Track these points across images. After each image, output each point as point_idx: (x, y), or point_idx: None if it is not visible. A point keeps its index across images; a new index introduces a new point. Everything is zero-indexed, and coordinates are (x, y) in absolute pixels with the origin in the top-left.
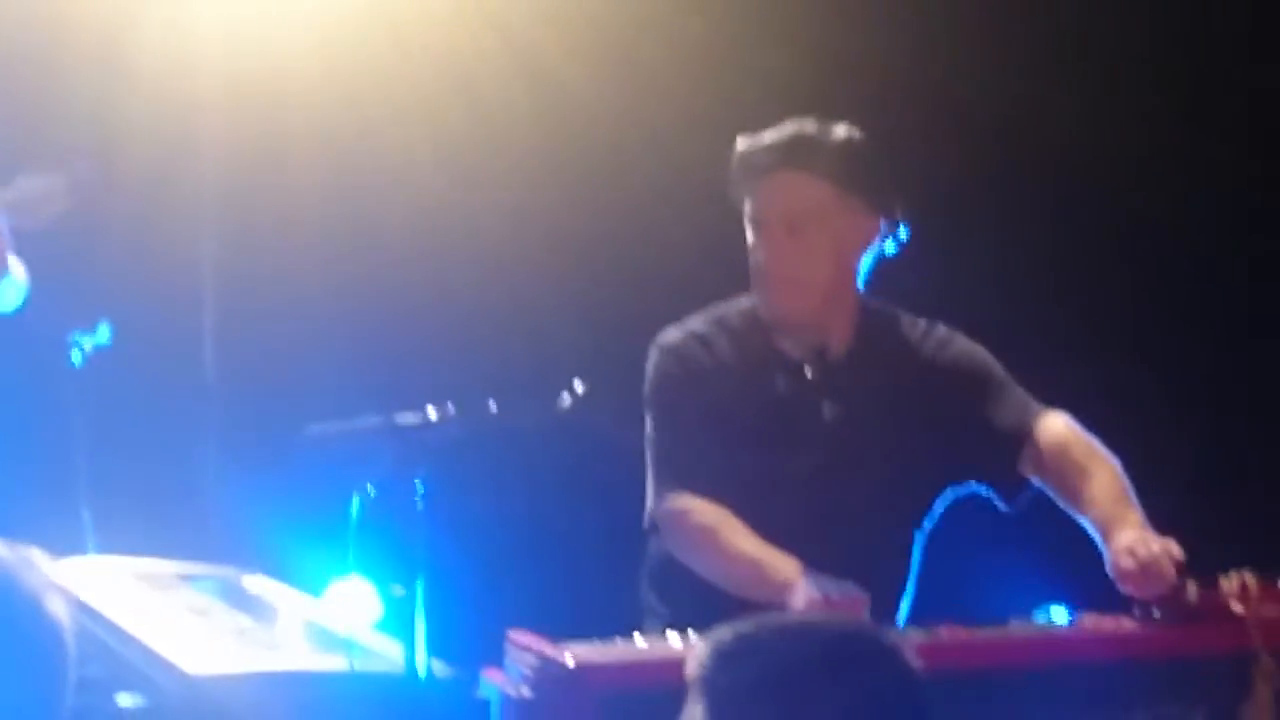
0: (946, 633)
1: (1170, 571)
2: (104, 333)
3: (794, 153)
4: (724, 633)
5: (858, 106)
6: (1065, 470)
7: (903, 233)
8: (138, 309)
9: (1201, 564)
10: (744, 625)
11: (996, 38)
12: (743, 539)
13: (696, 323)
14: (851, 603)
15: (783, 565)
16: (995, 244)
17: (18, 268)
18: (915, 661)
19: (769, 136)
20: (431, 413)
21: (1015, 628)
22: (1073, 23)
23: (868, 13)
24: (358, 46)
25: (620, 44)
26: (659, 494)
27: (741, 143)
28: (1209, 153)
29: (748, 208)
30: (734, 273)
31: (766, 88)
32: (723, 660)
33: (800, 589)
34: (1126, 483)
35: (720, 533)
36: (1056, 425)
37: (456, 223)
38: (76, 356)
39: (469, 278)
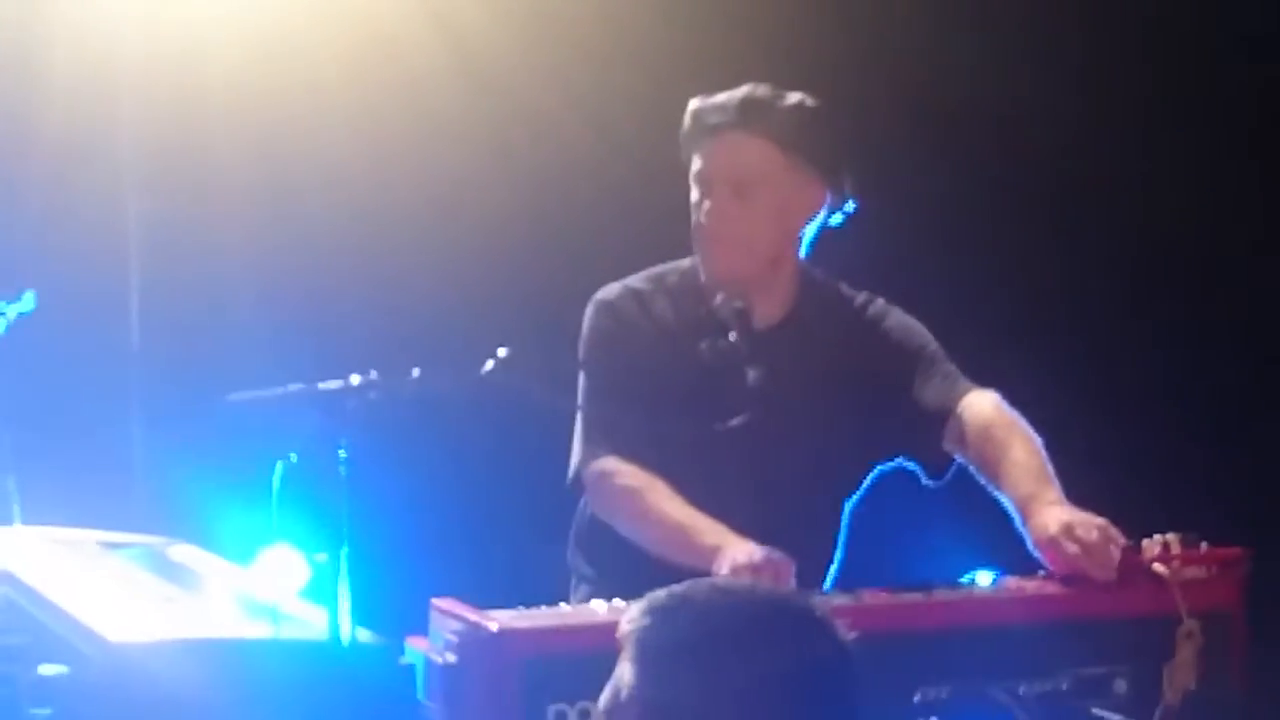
0: (870, 596)
1: (1115, 558)
2: (29, 301)
3: (745, 113)
4: (657, 593)
5: (796, 82)
6: (985, 447)
7: (849, 205)
8: (62, 277)
9: (1125, 528)
10: (678, 586)
11: (941, 19)
12: (669, 503)
13: (636, 280)
14: (777, 569)
15: (709, 530)
16: (946, 224)
17: None
18: (846, 634)
19: (722, 97)
20: (354, 379)
21: (939, 591)
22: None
23: None
24: (278, 13)
25: (545, 10)
26: (586, 453)
27: (694, 102)
28: (1157, 138)
29: (695, 166)
30: (662, 240)
31: (692, 57)
32: (655, 617)
33: (727, 554)
34: (1046, 460)
35: (646, 496)
36: (981, 402)
37: (380, 190)
38: (0, 325)
39: (393, 244)
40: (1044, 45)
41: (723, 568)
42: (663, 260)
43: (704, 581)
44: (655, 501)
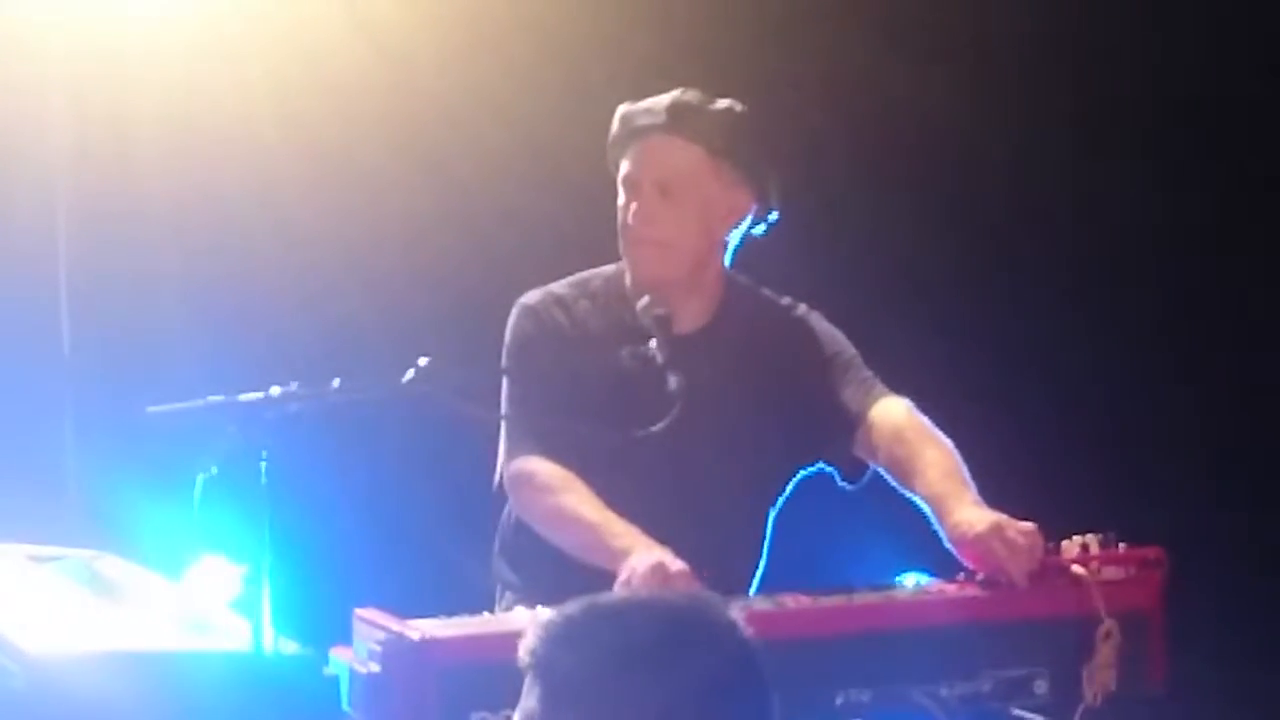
0: (791, 600)
1: (1038, 555)
2: None
3: (673, 117)
4: (553, 617)
5: (718, 88)
6: (896, 451)
7: (773, 216)
8: None
9: (1043, 529)
10: (572, 608)
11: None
12: (584, 504)
13: (559, 286)
14: (683, 574)
15: (620, 533)
16: (866, 229)
17: None
18: (751, 636)
19: (650, 101)
20: (274, 390)
21: (860, 594)
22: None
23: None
24: (205, 17)
25: (468, 15)
26: (508, 456)
27: (623, 107)
28: (1076, 129)
29: (623, 168)
30: (586, 247)
31: (618, 61)
32: (554, 645)
33: (631, 559)
34: (960, 463)
35: (561, 496)
36: (891, 408)
37: (304, 199)
38: None
39: (316, 253)
40: (986, 63)
41: (625, 572)
42: (586, 268)
43: (599, 600)
44: (570, 502)
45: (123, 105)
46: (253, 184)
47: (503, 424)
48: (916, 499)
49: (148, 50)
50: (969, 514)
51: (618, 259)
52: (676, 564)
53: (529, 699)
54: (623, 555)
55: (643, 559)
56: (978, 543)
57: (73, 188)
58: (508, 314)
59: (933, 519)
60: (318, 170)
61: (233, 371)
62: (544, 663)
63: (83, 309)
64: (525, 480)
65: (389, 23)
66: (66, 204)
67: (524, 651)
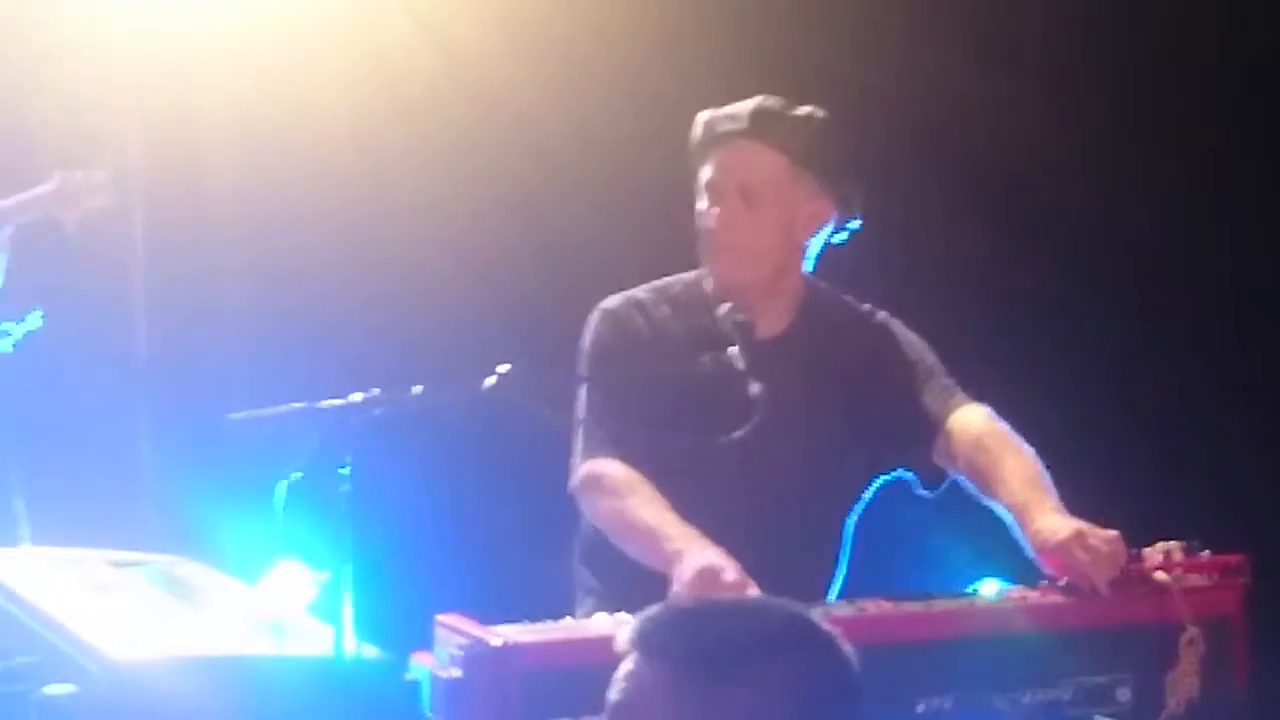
0: (872, 606)
1: (1120, 562)
2: (35, 320)
3: (756, 123)
4: (660, 607)
5: (790, 94)
6: (976, 459)
7: (855, 223)
8: (68, 296)
9: (1128, 536)
10: (663, 611)
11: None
12: (645, 506)
13: (639, 291)
14: (737, 581)
15: (675, 535)
16: (945, 236)
17: None
18: (850, 652)
19: (733, 107)
20: (355, 396)
21: (940, 600)
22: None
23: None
24: (275, 29)
25: (539, 26)
26: (581, 459)
27: (705, 113)
28: (1152, 148)
29: (704, 175)
30: (666, 254)
31: (692, 72)
32: (645, 649)
33: (683, 562)
34: (1042, 470)
35: (625, 499)
36: (971, 415)
37: (385, 206)
38: (6, 345)
39: (396, 260)
40: (1041, 61)
41: (678, 575)
42: (666, 274)
43: (693, 604)
44: (633, 505)
45: (194, 114)
46: (328, 194)
47: (578, 428)
48: (997, 507)
49: (220, 61)
50: (1051, 521)
51: (696, 265)
52: (730, 569)
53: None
54: (676, 559)
55: (693, 563)
56: (1060, 550)
57: (148, 197)
58: (586, 320)
59: (1014, 527)
60: (395, 179)
61: (307, 378)
62: (633, 671)
63: (158, 317)
64: (593, 483)
65: (460, 31)
66: (142, 213)
67: (622, 639)
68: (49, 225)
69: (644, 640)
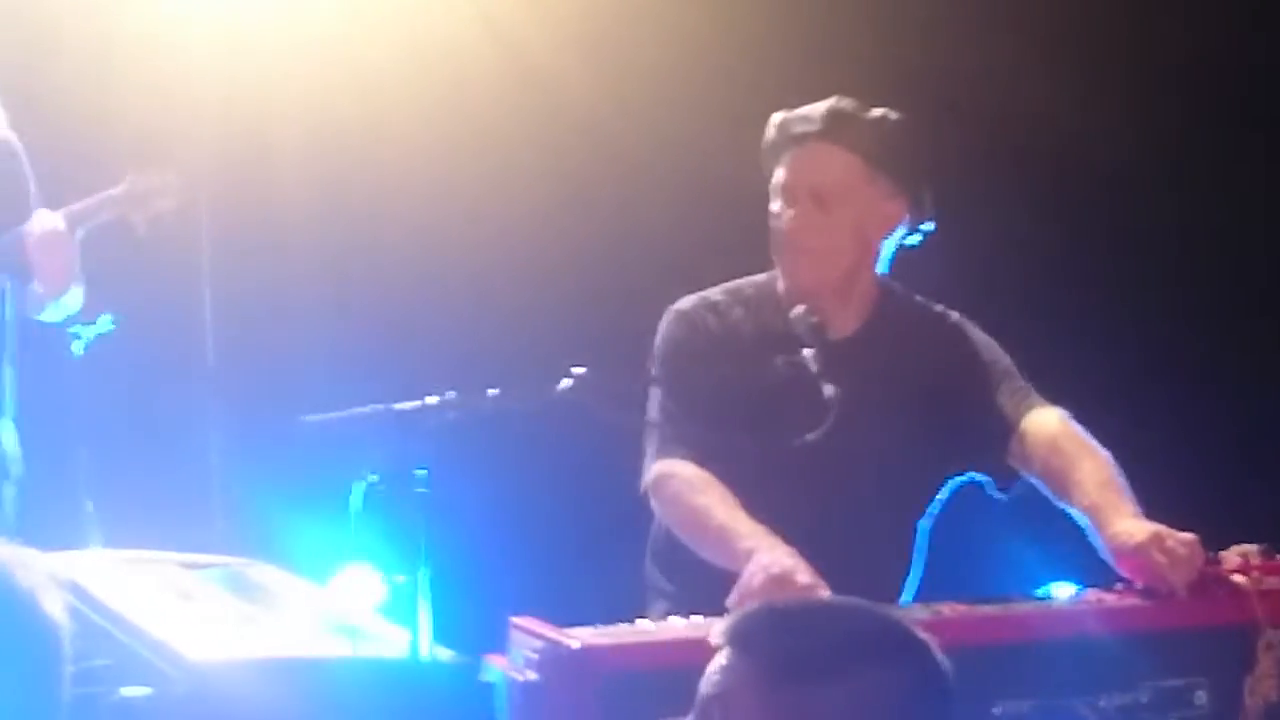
0: (948, 609)
1: (1198, 565)
2: (105, 323)
3: (830, 124)
4: (757, 605)
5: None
6: (1051, 462)
7: (928, 225)
8: (137, 299)
9: (1204, 539)
10: (754, 611)
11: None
12: (716, 505)
13: (713, 292)
14: (808, 583)
15: (746, 534)
16: (1019, 237)
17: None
18: (943, 658)
19: (807, 108)
20: (431, 399)
21: (1017, 603)
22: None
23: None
24: (344, 33)
25: (609, 32)
26: (653, 460)
27: (778, 114)
28: (1227, 145)
29: (777, 177)
30: (734, 256)
31: (762, 74)
32: (758, 626)
33: (753, 562)
34: (1118, 473)
35: (696, 497)
36: (1047, 418)
37: (457, 208)
38: (78, 348)
39: (468, 263)
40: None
41: (747, 574)
42: (738, 276)
43: (784, 605)
44: (703, 504)
45: (264, 119)
46: (401, 193)
47: (650, 429)
48: (1072, 510)
49: (289, 65)
50: (1128, 524)
51: (769, 267)
52: (803, 571)
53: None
54: (747, 557)
55: (765, 562)
56: (1137, 553)
57: (216, 199)
58: (660, 320)
59: (1090, 530)
60: (467, 182)
61: (376, 381)
62: (727, 666)
63: (227, 319)
64: (664, 483)
65: (530, 37)
66: (210, 215)
67: (716, 634)
68: (121, 227)
69: (740, 637)
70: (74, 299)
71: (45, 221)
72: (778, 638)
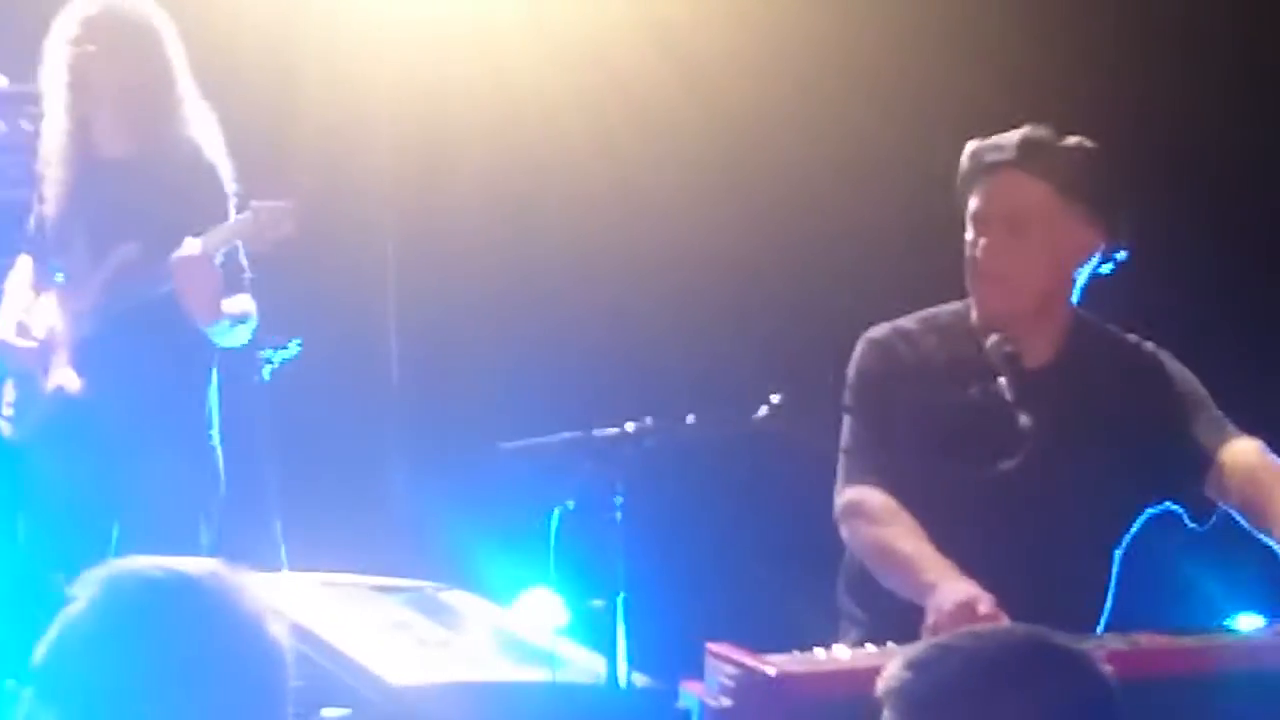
0: (1145, 639)
1: None
2: (294, 347)
3: (1024, 153)
4: (914, 646)
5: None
6: (1250, 492)
7: (1121, 254)
8: (325, 324)
9: None
10: (930, 641)
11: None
12: (903, 536)
13: (906, 320)
14: (992, 614)
15: (930, 567)
16: (1210, 267)
17: (249, 303)
18: (1106, 670)
19: (1000, 137)
20: (629, 426)
21: (1215, 634)
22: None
23: (1057, 30)
24: (522, 64)
25: (783, 51)
26: (843, 487)
27: (972, 143)
28: None
29: (971, 205)
30: (930, 284)
31: (957, 100)
32: (914, 670)
33: (937, 594)
34: None
35: (884, 528)
36: (1244, 449)
37: (656, 236)
38: (266, 372)
39: (666, 289)
40: None
41: (932, 606)
42: (933, 304)
43: (961, 632)
44: (890, 534)
45: (446, 148)
46: (596, 218)
47: (842, 456)
48: (1271, 541)
49: (469, 95)
50: None
51: (965, 295)
52: (984, 602)
53: None
54: (930, 591)
55: (948, 595)
56: None
57: (401, 230)
58: (853, 349)
59: None
60: (669, 207)
61: (560, 408)
62: (902, 688)
63: (412, 347)
64: (853, 511)
65: (705, 56)
66: (397, 236)
67: (882, 680)
68: (308, 254)
69: (905, 675)
70: (241, 335)
71: (185, 248)
72: (926, 671)
